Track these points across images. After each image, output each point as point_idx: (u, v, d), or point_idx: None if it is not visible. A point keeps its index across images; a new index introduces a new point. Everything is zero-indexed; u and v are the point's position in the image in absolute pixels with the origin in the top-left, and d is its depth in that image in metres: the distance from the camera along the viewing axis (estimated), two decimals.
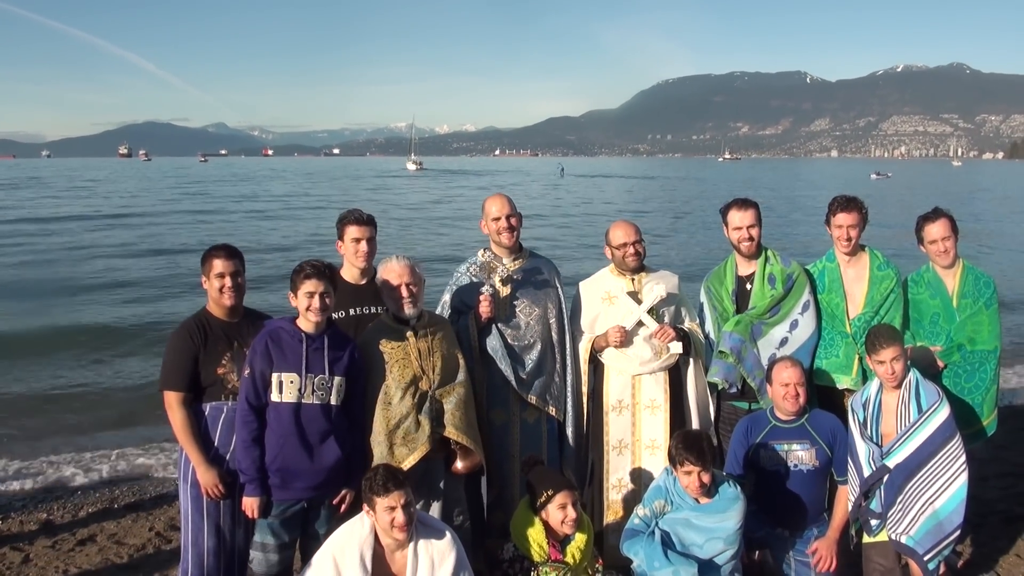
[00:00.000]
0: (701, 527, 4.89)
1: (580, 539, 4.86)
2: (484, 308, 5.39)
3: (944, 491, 4.89)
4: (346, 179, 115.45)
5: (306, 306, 4.60)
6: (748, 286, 5.81)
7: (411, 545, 4.35)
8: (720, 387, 5.71)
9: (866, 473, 5.00)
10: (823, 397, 5.69)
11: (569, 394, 5.67)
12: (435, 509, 5.02)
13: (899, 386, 5.02)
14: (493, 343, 5.46)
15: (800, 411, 5.24)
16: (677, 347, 5.60)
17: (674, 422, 5.66)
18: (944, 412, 4.93)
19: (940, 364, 5.53)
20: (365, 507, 4.36)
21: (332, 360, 4.67)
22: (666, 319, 5.71)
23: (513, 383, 5.45)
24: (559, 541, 4.82)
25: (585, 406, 5.76)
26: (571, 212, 49.59)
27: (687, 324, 5.84)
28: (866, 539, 5.18)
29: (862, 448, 5.05)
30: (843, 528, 5.31)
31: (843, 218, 5.69)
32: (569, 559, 4.79)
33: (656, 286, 5.63)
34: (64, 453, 9.80)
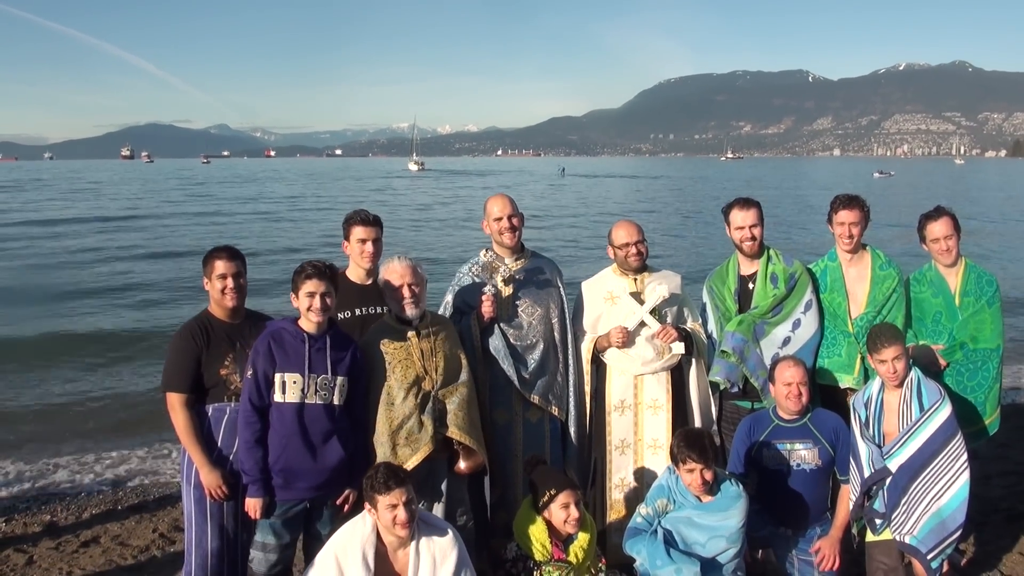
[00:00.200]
0: (703, 526, 4.89)
1: (583, 538, 4.86)
2: (486, 308, 5.39)
3: (947, 490, 4.89)
4: (348, 180, 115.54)
5: (307, 306, 4.61)
6: (750, 285, 5.81)
7: (413, 543, 4.35)
8: (722, 387, 5.71)
9: (867, 472, 5.00)
10: (826, 396, 5.69)
11: (572, 394, 5.67)
12: (438, 509, 5.02)
13: (901, 385, 5.02)
14: (496, 343, 5.47)
15: (803, 410, 5.25)
16: (679, 347, 5.59)
17: (676, 422, 5.65)
18: (946, 411, 4.93)
19: (942, 363, 5.53)
20: (367, 505, 4.36)
21: (335, 360, 4.68)
22: (668, 319, 5.71)
23: (516, 383, 5.46)
24: (562, 540, 4.82)
25: (588, 406, 5.76)
26: (564, 214, 49.10)
27: (689, 324, 5.84)
28: (869, 538, 5.18)
29: (864, 447, 5.05)
30: (846, 527, 5.31)
31: (845, 216, 5.69)
32: (572, 558, 4.80)
33: (658, 286, 5.63)
34: (67, 455, 9.82)
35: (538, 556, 4.73)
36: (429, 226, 41.60)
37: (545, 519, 4.79)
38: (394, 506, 4.22)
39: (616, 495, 5.75)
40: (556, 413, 5.60)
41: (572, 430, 5.67)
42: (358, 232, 5.38)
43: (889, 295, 5.61)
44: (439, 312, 5.56)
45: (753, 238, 5.72)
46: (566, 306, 5.77)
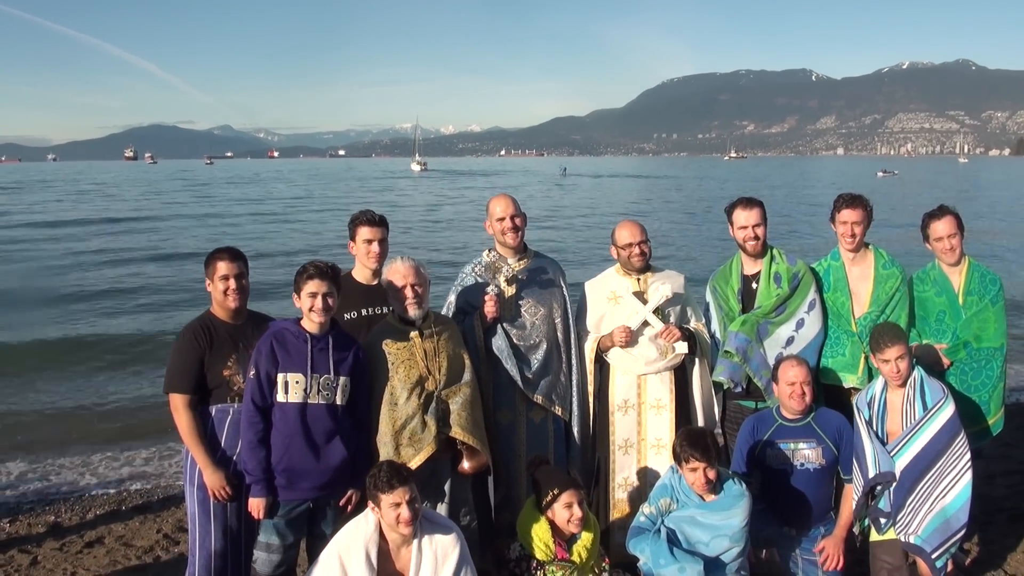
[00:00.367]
0: (707, 525, 4.89)
1: (586, 538, 4.87)
2: (489, 308, 5.39)
3: (951, 489, 4.89)
4: (351, 181, 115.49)
5: (309, 306, 4.62)
6: (754, 285, 5.81)
7: (415, 541, 4.36)
8: (725, 386, 5.71)
9: (871, 472, 4.99)
10: (829, 396, 5.69)
11: (575, 394, 5.68)
12: (442, 510, 5.02)
13: (904, 385, 5.02)
14: (499, 343, 5.47)
15: (806, 410, 5.24)
16: (683, 347, 5.59)
17: (680, 422, 5.65)
18: (949, 410, 4.92)
19: (946, 362, 5.52)
20: (370, 504, 4.37)
21: (337, 360, 4.68)
22: (672, 319, 5.70)
23: (519, 383, 5.46)
24: (565, 540, 4.83)
25: (591, 406, 5.76)
26: (563, 216, 48.85)
27: (693, 324, 5.84)
28: (873, 537, 5.17)
29: (868, 447, 5.04)
30: (850, 526, 5.30)
31: (848, 214, 5.68)
32: (575, 558, 4.80)
33: (662, 286, 5.63)
34: (72, 455, 9.83)
35: (541, 556, 4.73)
36: (429, 227, 41.54)
37: (548, 519, 4.79)
38: (397, 504, 4.23)
39: (619, 495, 5.75)
40: (559, 413, 5.60)
41: (575, 430, 5.67)
42: (364, 232, 5.39)
43: (892, 294, 5.61)
44: (442, 312, 5.56)
45: (756, 237, 5.72)
46: (569, 306, 5.77)
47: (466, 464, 5.03)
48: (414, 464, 4.70)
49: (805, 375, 5.18)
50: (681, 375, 5.78)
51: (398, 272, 4.99)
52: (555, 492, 4.75)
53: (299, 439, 4.57)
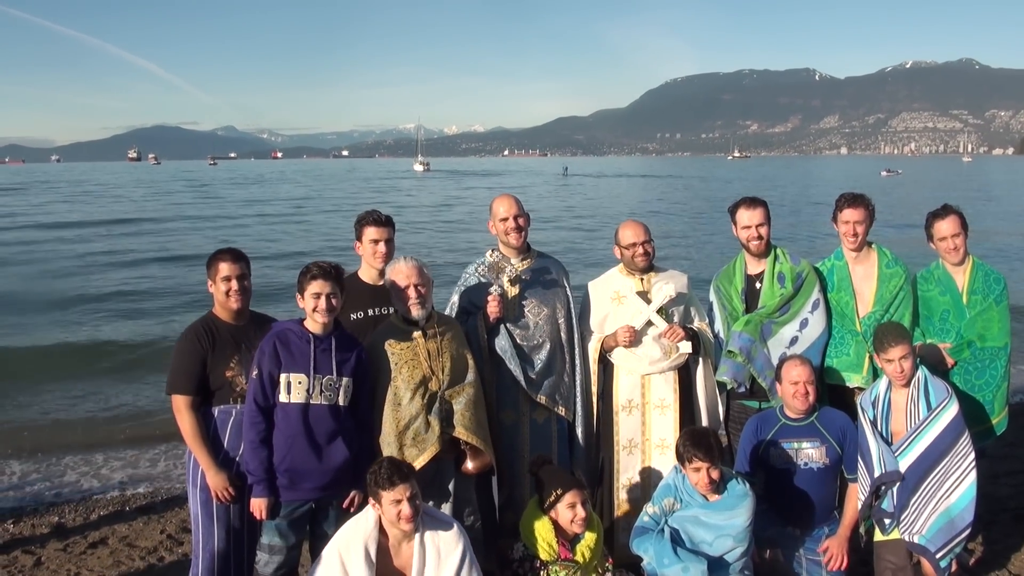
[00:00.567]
0: (710, 524, 4.89)
1: (590, 538, 4.86)
2: (492, 308, 5.39)
3: (955, 489, 4.88)
4: (355, 181, 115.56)
5: (312, 307, 4.62)
6: (757, 285, 5.80)
7: (417, 536, 4.36)
8: (729, 386, 5.70)
9: (876, 472, 4.98)
10: (834, 396, 5.68)
11: (579, 394, 5.67)
12: (446, 509, 5.01)
13: (908, 384, 5.02)
14: (502, 343, 5.47)
15: (810, 409, 5.23)
16: (686, 347, 5.58)
17: (684, 421, 5.64)
18: (953, 409, 4.92)
19: (950, 361, 5.51)
20: (371, 500, 4.37)
21: (340, 361, 4.69)
22: (675, 319, 5.70)
23: (522, 383, 5.46)
24: (569, 540, 4.82)
25: (595, 406, 5.76)
26: (561, 217, 48.67)
27: (696, 323, 5.83)
28: (878, 537, 5.17)
29: (872, 446, 5.03)
30: (854, 526, 5.30)
31: (850, 214, 5.67)
32: (579, 558, 4.80)
33: (665, 286, 5.62)
34: (75, 456, 9.84)
35: (545, 556, 4.73)
36: (441, 227, 41.51)
37: (552, 519, 4.79)
38: (398, 501, 4.24)
39: (623, 495, 5.74)
40: (563, 413, 5.60)
41: (579, 430, 5.67)
42: (370, 233, 5.40)
43: (896, 293, 5.60)
44: (445, 312, 5.56)
45: (760, 237, 5.71)
46: (572, 306, 5.77)
47: (470, 464, 5.03)
48: (418, 464, 4.70)
49: (808, 374, 5.17)
50: (685, 375, 5.77)
51: (401, 272, 4.99)
52: (559, 492, 4.74)
53: (301, 439, 4.57)
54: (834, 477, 5.37)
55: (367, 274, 5.48)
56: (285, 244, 33.37)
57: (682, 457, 4.94)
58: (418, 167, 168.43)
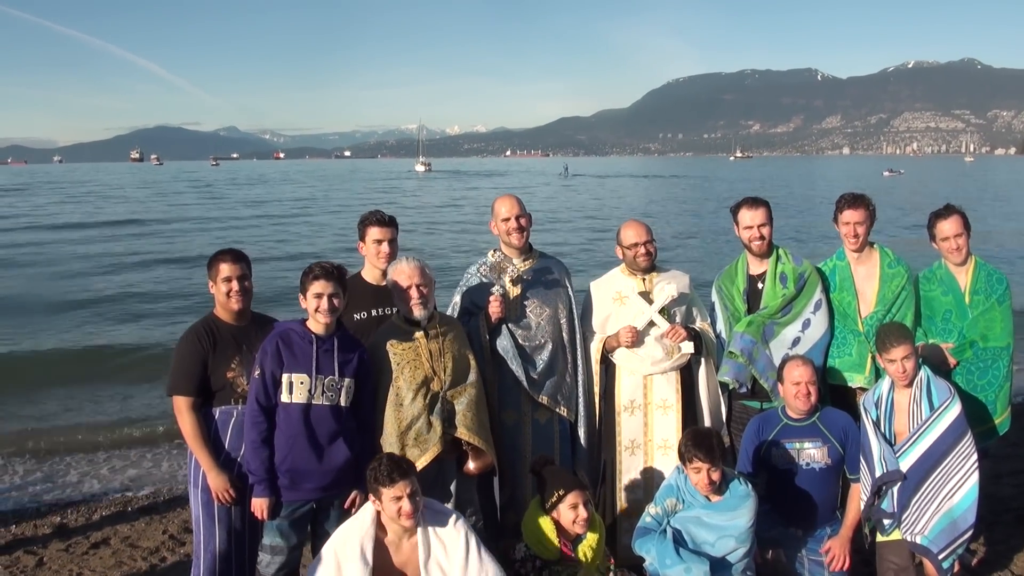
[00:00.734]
0: (712, 525, 4.88)
1: (592, 538, 4.85)
2: (494, 308, 5.38)
3: (958, 490, 4.87)
4: (358, 182, 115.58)
5: (315, 307, 4.62)
6: (760, 285, 5.79)
7: (420, 531, 4.36)
8: (731, 387, 5.69)
9: (878, 472, 4.98)
10: (836, 396, 5.68)
11: (581, 394, 5.67)
12: None
13: (910, 384, 5.01)
14: (504, 343, 5.46)
15: (811, 409, 5.23)
16: (688, 347, 5.58)
17: (686, 422, 5.64)
18: (955, 410, 4.91)
19: (952, 361, 5.51)
20: (371, 497, 4.37)
21: (342, 362, 4.69)
22: (677, 319, 5.69)
23: (524, 383, 5.45)
24: (571, 540, 4.81)
25: (597, 406, 5.75)
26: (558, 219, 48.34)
27: (698, 324, 5.83)
28: (880, 538, 5.16)
29: (875, 447, 5.03)
30: (856, 526, 5.29)
31: (850, 215, 5.67)
32: (581, 558, 4.79)
33: (667, 286, 5.62)
34: (78, 457, 9.85)
35: (547, 556, 4.72)
36: (430, 227, 41.43)
37: (554, 519, 4.78)
38: (398, 498, 4.24)
39: (625, 495, 5.74)
40: (565, 414, 5.59)
41: (581, 431, 5.66)
42: (374, 233, 5.40)
43: (898, 293, 5.59)
44: (447, 313, 5.56)
45: (762, 237, 5.70)
46: (574, 306, 5.76)
47: (471, 465, 5.03)
48: (420, 465, 4.70)
49: (810, 375, 5.17)
50: (687, 375, 5.77)
51: (403, 273, 4.99)
52: (561, 493, 4.74)
53: (303, 440, 4.57)
54: (836, 477, 5.36)
55: (370, 274, 5.47)
56: (294, 245, 33.26)
57: (683, 457, 4.94)
58: (420, 167, 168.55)
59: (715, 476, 4.84)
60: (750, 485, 4.99)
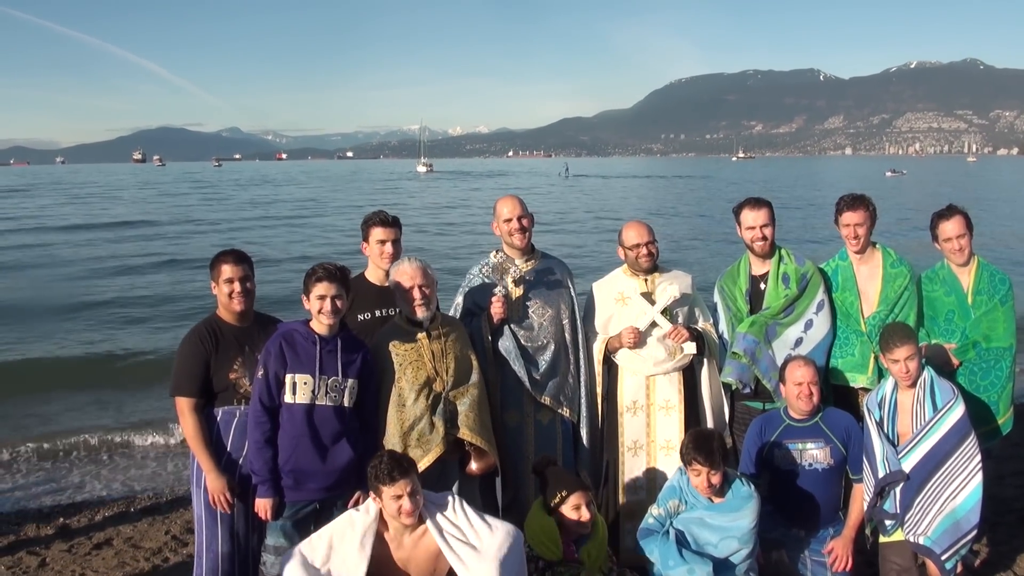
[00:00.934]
0: (715, 526, 4.88)
1: (594, 539, 4.85)
2: (496, 309, 5.39)
3: (961, 490, 4.86)
4: (357, 182, 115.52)
5: (318, 309, 4.63)
6: (762, 286, 5.79)
7: (429, 525, 4.36)
8: (734, 387, 5.69)
9: (881, 473, 4.97)
10: (839, 396, 5.67)
11: (583, 395, 5.66)
12: None
13: (914, 385, 5.00)
14: (506, 344, 5.46)
15: (814, 410, 5.22)
16: (691, 347, 5.58)
17: (689, 422, 5.64)
18: (959, 410, 4.90)
19: (955, 362, 5.50)
20: (372, 494, 4.38)
21: (345, 363, 4.69)
22: (680, 319, 5.69)
23: (527, 384, 5.45)
24: (574, 541, 4.81)
25: (599, 407, 5.75)
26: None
27: (701, 324, 5.83)
28: (882, 538, 5.16)
29: (878, 447, 5.02)
30: (859, 527, 5.29)
31: (850, 217, 5.67)
32: (584, 559, 4.79)
33: (669, 286, 5.62)
34: (80, 457, 9.88)
35: (550, 557, 4.72)
36: (425, 227, 41.36)
37: (557, 520, 4.78)
38: (399, 496, 4.25)
39: (628, 496, 5.74)
40: (567, 414, 5.59)
41: (584, 431, 5.66)
42: (377, 233, 5.41)
43: (901, 293, 5.59)
44: (449, 313, 5.56)
45: (764, 238, 5.70)
46: (577, 307, 5.76)
47: (474, 465, 5.03)
48: (422, 465, 4.71)
49: (812, 375, 5.17)
50: (690, 376, 5.77)
51: (405, 273, 4.99)
52: (564, 494, 4.73)
53: (306, 440, 4.58)
54: (839, 478, 5.36)
55: (374, 275, 5.48)
56: (302, 247, 33.19)
57: (684, 459, 4.95)
58: (421, 168, 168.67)
59: (715, 479, 4.84)
60: (753, 486, 4.99)
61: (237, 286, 4.82)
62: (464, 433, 4.90)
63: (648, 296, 5.66)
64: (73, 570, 6.39)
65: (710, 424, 5.66)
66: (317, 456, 4.60)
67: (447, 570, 4.42)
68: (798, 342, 5.61)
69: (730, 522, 4.87)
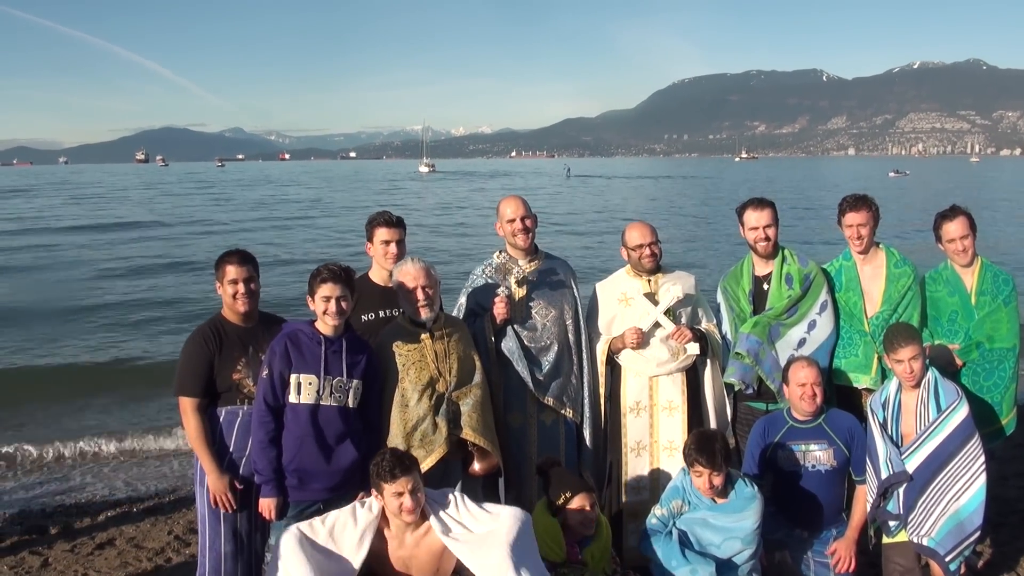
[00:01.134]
0: (718, 527, 4.88)
1: (598, 540, 4.86)
2: (499, 310, 5.38)
3: (965, 491, 4.85)
4: (358, 183, 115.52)
5: (323, 310, 4.63)
6: (765, 286, 5.78)
7: (432, 520, 4.36)
8: (737, 388, 5.69)
9: (884, 474, 4.97)
10: (842, 397, 5.67)
11: (586, 396, 5.66)
12: None
13: (918, 386, 4.99)
14: (509, 345, 5.46)
15: (817, 411, 5.22)
16: (694, 348, 5.57)
17: (692, 423, 5.63)
18: (963, 411, 4.89)
19: (958, 362, 5.50)
20: (373, 491, 4.38)
21: (350, 363, 4.70)
22: (683, 320, 5.69)
23: (530, 385, 5.45)
24: (577, 542, 4.81)
25: (603, 408, 5.75)
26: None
27: (704, 325, 5.82)
28: (886, 539, 5.15)
29: (881, 448, 5.02)
30: (862, 528, 5.28)
31: (852, 217, 5.67)
32: (587, 560, 4.79)
33: (672, 287, 5.61)
34: (83, 457, 9.88)
35: (553, 558, 4.72)
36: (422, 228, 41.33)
37: (560, 521, 4.78)
38: (400, 494, 4.25)
39: (631, 497, 5.73)
40: (570, 415, 5.59)
41: (587, 432, 5.66)
42: (381, 234, 5.40)
43: (904, 293, 5.58)
44: (452, 314, 5.56)
45: (767, 238, 5.69)
46: (580, 307, 5.76)
47: (477, 466, 5.03)
48: (425, 466, 4.71)
49: (815, 376, 5.16)
50: (693, 376, 5.76)
51: (408, 274, 4.99)
52: (568, 495, 4.73)
53: (310, 440, 4.59)
54: (842, 479, 5.35)
55: (378, 275, 5.47)
56: (310, 249, 33.18)
57: (687, 460, 4.95)
58: (423, 168, 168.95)
59: (717, 481, 4.84)
60: (756, 487, 4.99)
61: (241, 287, 4.82)
62: (467, 434, 4.90)
63: (651, 297, 5.66)
64: (76, 570, 6.39)
65: (713, 425, 5.66)
66: (321, 456, 4.61)
67: (451, 568, 4.42)
68: (801, 343, 5.60)
69: (733, 523, 4.87)
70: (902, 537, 5.03)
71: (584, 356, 5.69)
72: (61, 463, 9.71)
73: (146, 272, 26.83)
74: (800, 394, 5.15)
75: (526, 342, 5.51)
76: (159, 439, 10.29)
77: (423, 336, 4.99)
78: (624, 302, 5.73)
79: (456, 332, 5.14)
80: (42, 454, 9.92)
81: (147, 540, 7.01)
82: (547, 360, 5.54)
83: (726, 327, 5.84)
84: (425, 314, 4.97)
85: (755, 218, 5.71)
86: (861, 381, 5.61)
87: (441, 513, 4.42)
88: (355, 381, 4.70)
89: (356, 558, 4.31)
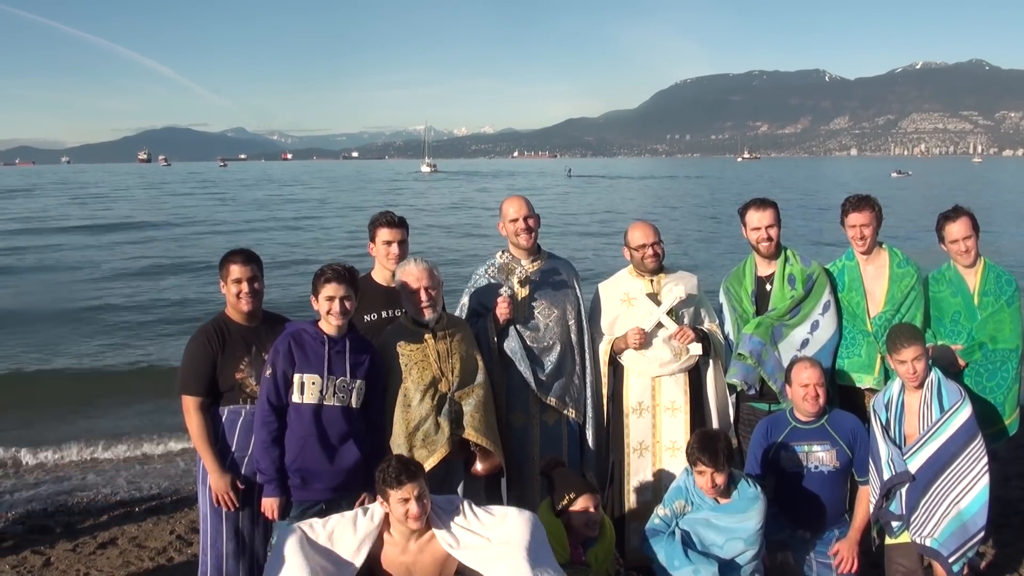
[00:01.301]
0: (721, 527, 4.87)
1: (601, 541, 4.85)
2: (502, 310, 5.38)
3: (968, 492, 4.84)
4: (359, 183, 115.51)
5: (327, 310, 4.63)
6: (768, 287, 5.77)
7: (442, 533, 4.35)
8: (739, 388, 5.68)
9: (887, 475, 4.96)
10: (845, 397, 5.66)
11: (589, 396, 5.66)
12: None
13: (921, 386, 4.98)
14: (512, 345, 5.46)
15: (820, 412, 5.21)
16: (697, 348, 5.57)
17: (694, 423, 5.63)
18: (966, 412, 4.89)
19: (961, 363, 5.49)
20: (379, 498, 4.37)
21: (353, 363, 4.70)
22: (685, 320, 5.68)
23: (532, 385, 5.45)
24: (580, 544, 4.80)
25: (605, 408, 5.74)
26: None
27: (706, 325, 5.82)
28: (888, 540, 5.14)
29: (884, 449, 5.01)
30: (864, 529, 5.27)
31: (855, 218, 5.66)
32: (591, 561, 4.78)
33: (675, 287, 5.61)
34: (85, 457, 9.88)
35: (557, 559, 4.72)
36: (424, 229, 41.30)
37: (563, 522, 4.77)
38: (406, 500, 4.23)
39: (634, 497, 5.74)
40: (573, 415, 5.58)
41: (590, 432, 5.66)
42: (384, 234, 5.41)
43: (907, 293, 5.58)
44: (455, 314, 5.56)
45: (770, 239, 5.69)
46: (583, 307, 5.75)
47: (479, 466, 5.03)
48: (428, 466, 4.70)
49: (819, 376, 5.15)
50: (695, 377, 5.76)
51: (411, 275, 4.99)
52: (571, 496, 4.73)
53: (313, 440, 4.59)
54: (844, 480, 5.35)
55: (381, 275, 5.48)
56: (315, 250, 33.13)
57: (690, 459, 4.95)
58: (425, 168, 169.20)
59: (719, 480, 4.84)
60: (759, 487, 4.98)
61: (245, 286, 4.82)
62: (469, 434, 4.90)
63: (654, 297, 5.65)
64: (78, 569, 6.39)
65: (716, 425, 5.66)
66: (324, 456, 4.61)
67: (452, 574, 4.41)
68: (804, 343, 5.60)
69: (736, 523, 4.86)
70: (905, 538, 5.03)
71: (587, 356, 5.68)
72: (63, 463, 9.71)
73: (149, 273, 26.83)
74: (803, 395, 5.14)
75: (529, 342, 5.51)
76: (161, 439, 10.30)
77: (426, 336, 4.99)
78: (627, 302, 5.73)
79: (459, 332, 5.14)
80: (44, 454, 9.92)
81: (149, 539, 7.02)
82: (550, 360, 5.53)
83: (728, 328, 5.83)
84: (428, 315, 4.97)
85: (757, 218, 5.71)
86: (864, 381, 5.60)
87: (449, 522, 4.40)
88: (358, 381, 4.69)
89: (353, 564, 4.30)
